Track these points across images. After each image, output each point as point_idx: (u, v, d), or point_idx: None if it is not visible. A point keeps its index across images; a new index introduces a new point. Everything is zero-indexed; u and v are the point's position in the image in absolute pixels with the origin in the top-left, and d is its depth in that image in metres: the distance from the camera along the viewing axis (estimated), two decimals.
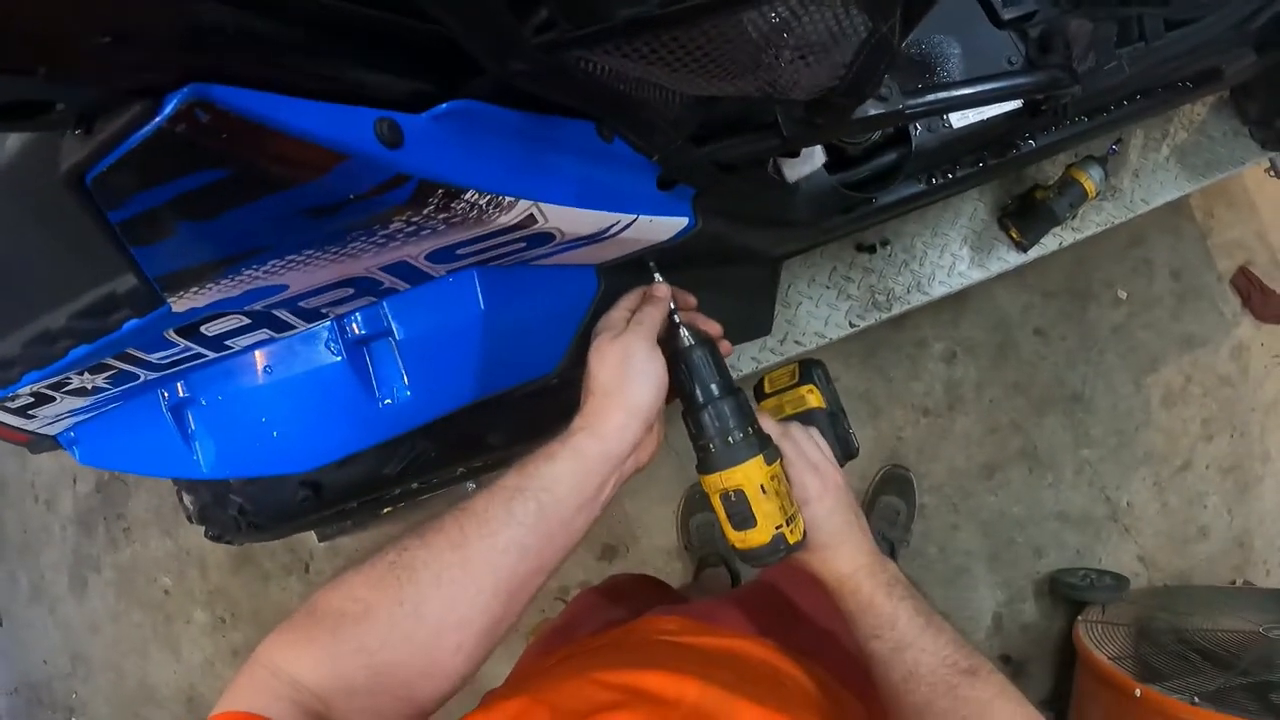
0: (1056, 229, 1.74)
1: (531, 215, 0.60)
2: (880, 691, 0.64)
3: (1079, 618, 1.85)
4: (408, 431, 0.77)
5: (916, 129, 1.24)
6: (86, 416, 0.90)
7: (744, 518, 0.66)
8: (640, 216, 0.73)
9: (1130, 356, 2.12)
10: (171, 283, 0.55)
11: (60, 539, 2.41)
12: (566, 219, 0.64)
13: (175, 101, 0.38)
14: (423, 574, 0.53)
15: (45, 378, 0.75)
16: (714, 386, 0.68)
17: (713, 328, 0.74)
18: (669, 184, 0.79)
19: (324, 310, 0.71)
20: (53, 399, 0.82)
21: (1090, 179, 1.65)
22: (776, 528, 0.66)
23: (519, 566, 0.55)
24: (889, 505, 1.96)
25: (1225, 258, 2.20)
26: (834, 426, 0.80)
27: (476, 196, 0.53)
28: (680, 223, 0.82)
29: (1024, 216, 1.72)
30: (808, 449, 0.72)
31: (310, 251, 0.55)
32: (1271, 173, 1.85)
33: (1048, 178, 1.77)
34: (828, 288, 1.76)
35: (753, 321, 1.31)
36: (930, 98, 0.93)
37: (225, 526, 1.16)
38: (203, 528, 1.21)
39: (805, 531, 0.69)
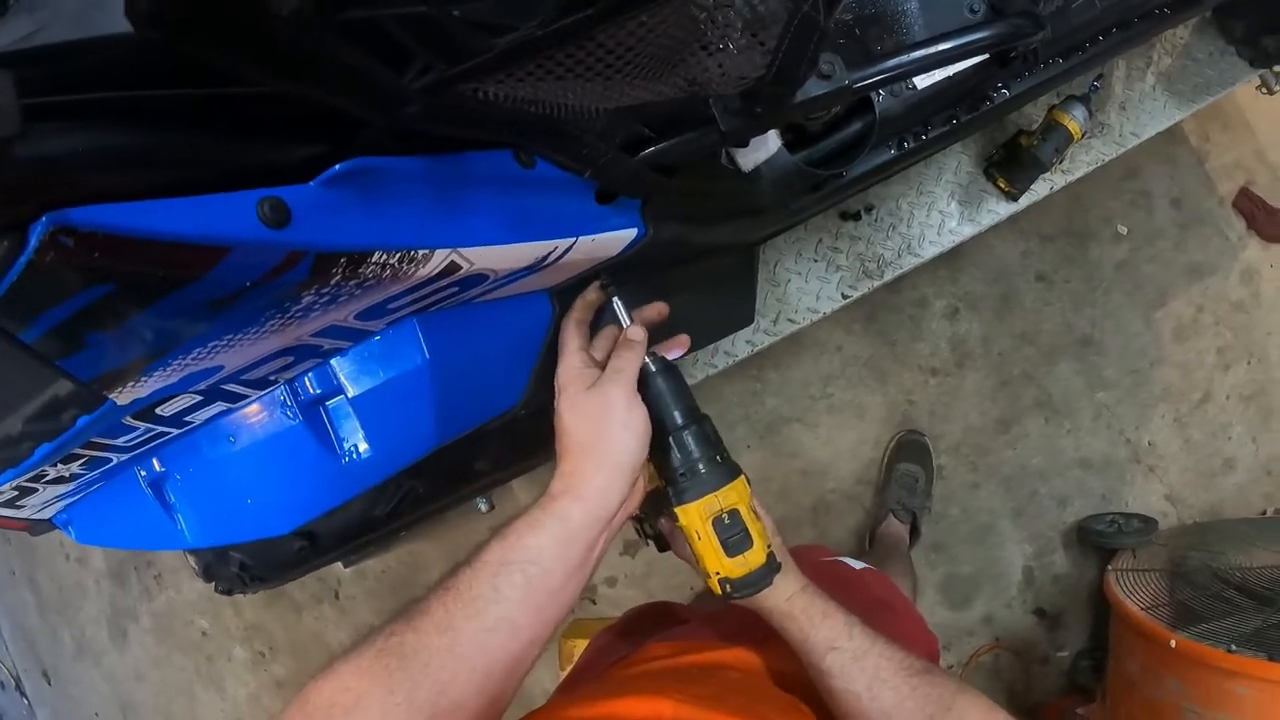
0: (1045, 174, 1.69)
1: (453, 262, 0.58)
2: (839, 703, 0.64)
3: (1109, 566, 1.82)
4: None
5: (880, 95, 1.20)
6: (75, 499, 0.91)
7: (740, 538, 0.64)
8: (580, 238, 0.71)
9: (1137, 293, 2.06)
10: (106, 381, 0.54)
11: (96, 593, 2.45)
12: (494, 258, 0.62)
13: (37, 233, 0.36)
14: (411, 661, 0.51)
15: (21, 474, 0.75)
16: (687, 412, 0.66)
17: (679, 343, 0.72)
18: (608, 197, 0.77)
19: (272, 378, 0.70)
20: (35, 489, 0.82)
21: (1074, 120, 1.59)
22: (768, 546, 0.65)
23: (510, 644, 0.54)
24: (907, 473, 1.93)
25: (1225, 180, 2.12)
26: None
27: (385, 256, 0.51)
28: (628, 235, 0.80)
29: (1010, 165, 1.67)
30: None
31: (231, 335, 0.53)
32: (1263, 90, 1.78)
33: (1031, 122, 1.71)
34: (815, 261, 1.73)
35: (733, 314, 1.28)
36: (879, 67, 0.89)
37: (230, 581, 1.16)
38: (211, 584, 1.22)
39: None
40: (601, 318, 0.76)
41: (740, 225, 1.13)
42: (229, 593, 1.24)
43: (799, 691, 0.67)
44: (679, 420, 0.65)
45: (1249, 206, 2.12)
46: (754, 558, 0.65)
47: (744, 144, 0.99)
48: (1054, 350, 2.03)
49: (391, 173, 0.52)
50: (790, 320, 1.72)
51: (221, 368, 0.60)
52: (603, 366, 0.65)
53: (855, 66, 0.85)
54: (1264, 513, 2.10)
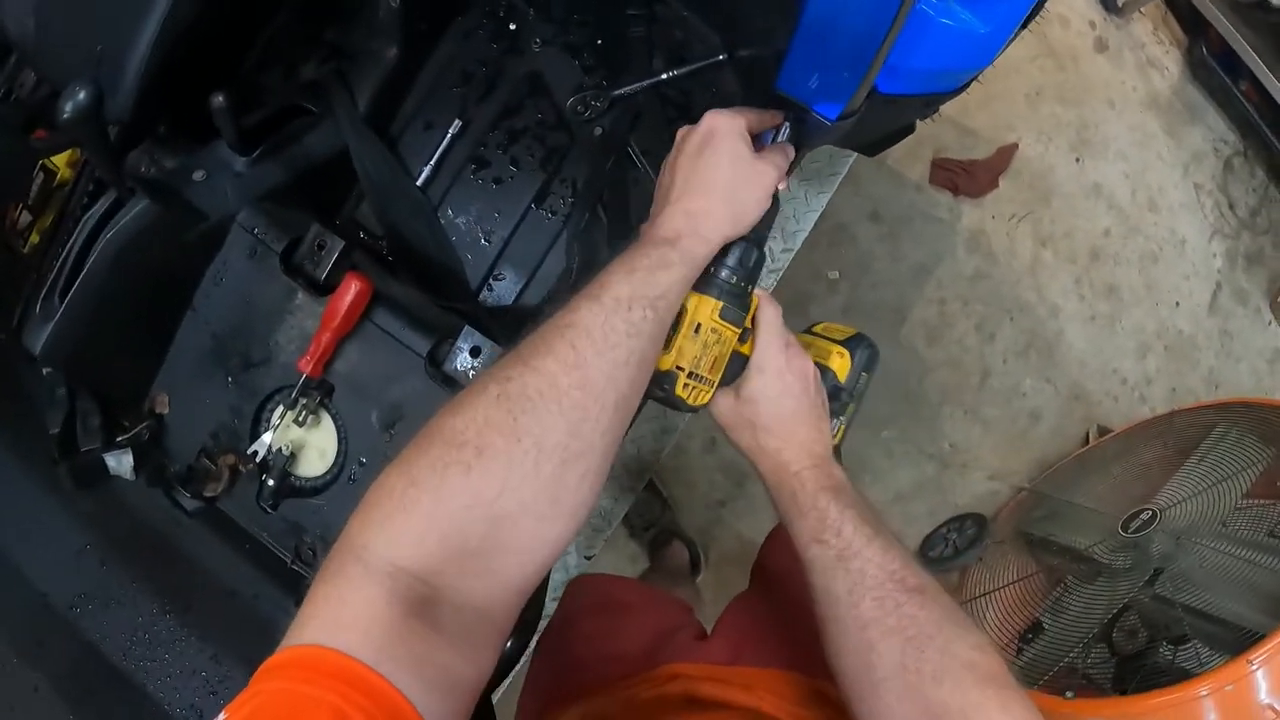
0: None
1: None
2: (819, 603, 0.59)
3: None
4: None
5: None
6: None
7: (667, 336, 0.61)
8: None
9: (873, 325, 2.04)
10: None
11: None
12: None
13: None
14: (540, 403, 0.47)
15: None
16: (756, 230, 0.64)
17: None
18: None
19: None
20: None
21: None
22: (678, 368, 0.61)
23: (638, 379, 0.52)
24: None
25: (913, 165, 2.04)
26: (834, 399, 0.72)
27: None
28: None
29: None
30: (793, 344, 0.66)
31: None
32: None
33: None
34: None
35: None
36: None
37: None
38: None
39: (713, 406, 0.66)
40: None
41: None
42: None
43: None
44: (753, 233, 0.64)
45: (947, 176, 2.04)
46: (659, 359, 0.61)
47: None
48: None
49: None
50: None
51: None
52: None
53: None
54: (1086, 438, 2.15)
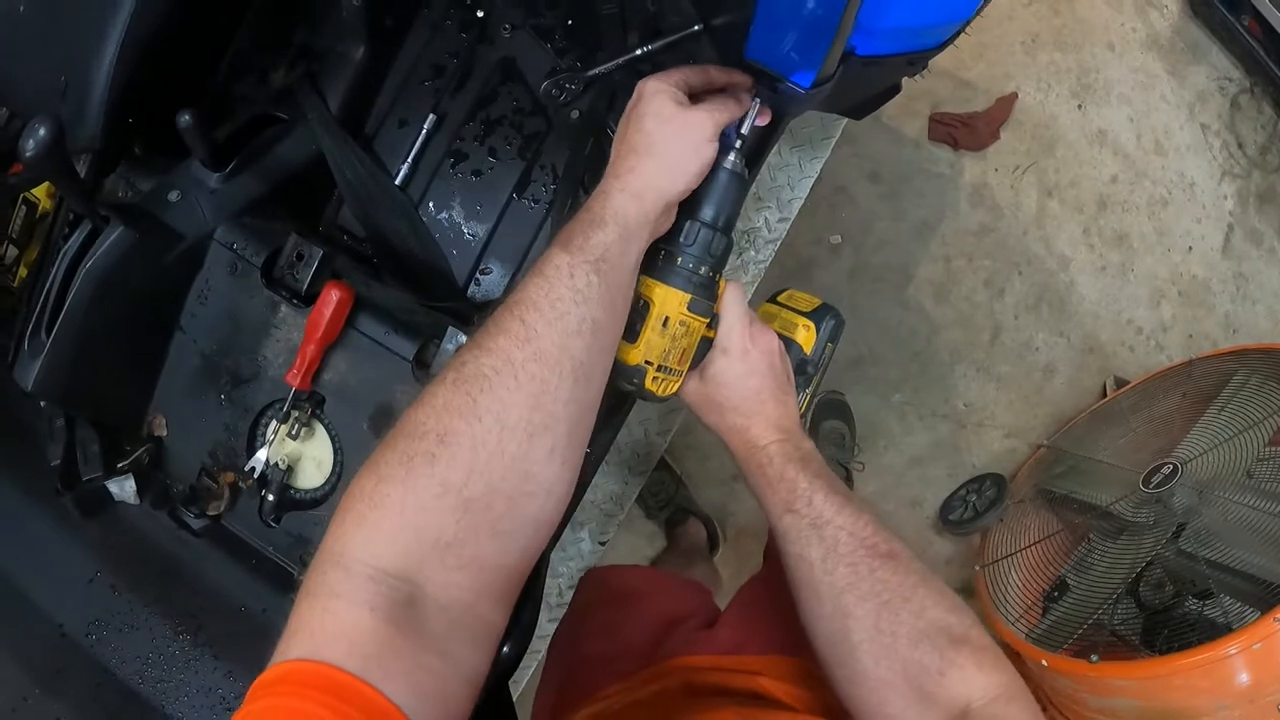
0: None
1: None
2: (793, 571, 0.59)
3: (975, 568, 1.87)
4: None
5: None
6: None
7: (632, 329, 0.61)
8: None
9: (879, 286, 2.01)
10: None
11: None
12: None
13: None
14: (496, 380, 0.47)
15: None
16: (719, 212, 0.63)
17: (765, 117, 0.65)
18: None
19: None
20: None
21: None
22: (647, 363, 0.62)
23: (594, 344, 0.51)
24: (833, 429, 1.94)
25: (910, 121, 1.99)
26: (799, 373, 0.73)
27: None
28: None
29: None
30: (757, 322, 0.66)
31: None
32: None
33: None
34: None
35: None
36: None
37: None
38: None
39: (681, 395, 0.67)
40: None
41: None
42: None
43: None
44: (701, 212, 0.62)
45: (946, 131, 2.00)
46: (627, 353, 0.62)
47: None
48: (830, 387, 2.03)
49: None
50: None
51: None
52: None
53: None
54: (1104, 390, 2.12)
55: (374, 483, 0.44)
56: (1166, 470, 1.45)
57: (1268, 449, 1.37)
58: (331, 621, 0.40)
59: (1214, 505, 1.36)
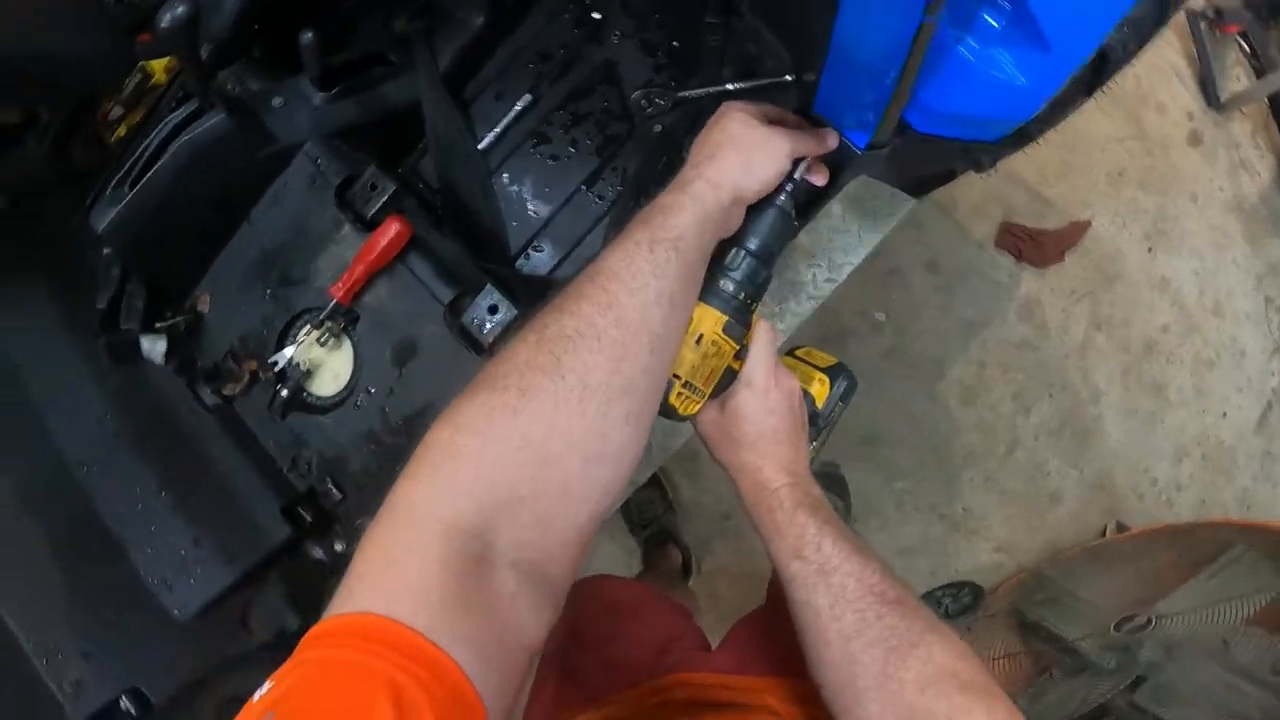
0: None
1: None
2: (799, 618, 0.59)
3: None
4: None
5: None
6: None
7: (718, 367, 0.64)
8: None
9: (913, 373, 2.03)
10: None
11: None
12: None
13: None
14: (580, 341, 0.48)
15: None
16: (766, 245, 0.65)
17: (820, 177, 0.69)
18: None
19: None
20: None
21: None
22: (675, 376, 0.63)
23: (670, 318, 0.53)
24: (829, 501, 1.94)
25: (981, 222, 2.02)
26: (810, 425, 0.75)
27: None
28: None
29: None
30: (781, 366, 0.68)
31: None
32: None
33: None
34: None
35: None
36: None
37: None
38: None
39: (698, 419, 0.68)
40: None
41: None
42: None
43: None
44: (747, 241, 0.65)
45: (1014, 241, 2.02)
46: (703, 384, 0.64)
47: None
48: (838, 459, 2.05)
49: None
50: None
51: None
52: None
53: None
54: (1104, 531, 2.10)
55: (450, 432, 0.44)
56: (1140, 620, 1.44)
57: (1246, 626, 1.35)
58: (399, 577, 0.39)
59: (1180, 665, 1.34)
